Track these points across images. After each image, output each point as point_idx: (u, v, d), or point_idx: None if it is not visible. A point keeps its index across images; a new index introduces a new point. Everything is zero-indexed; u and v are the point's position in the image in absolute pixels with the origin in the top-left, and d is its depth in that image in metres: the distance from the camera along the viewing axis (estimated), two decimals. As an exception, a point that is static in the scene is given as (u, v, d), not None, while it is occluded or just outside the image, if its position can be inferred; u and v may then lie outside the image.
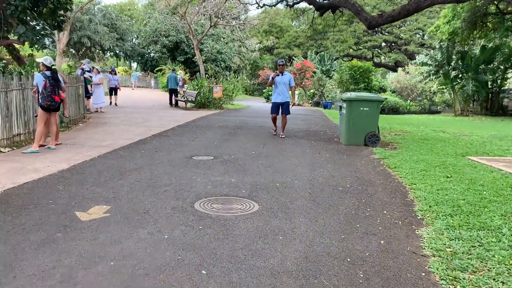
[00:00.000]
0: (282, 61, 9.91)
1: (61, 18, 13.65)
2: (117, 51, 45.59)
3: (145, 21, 42.77)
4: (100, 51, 48.18)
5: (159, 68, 37.27)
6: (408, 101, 32.29)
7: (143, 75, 48.39)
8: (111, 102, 18.22)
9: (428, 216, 4.41)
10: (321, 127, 12.82)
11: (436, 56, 27.31)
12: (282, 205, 4.63)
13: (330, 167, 6.76)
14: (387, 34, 48.74)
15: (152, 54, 46.57)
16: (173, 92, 20.17)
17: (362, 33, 46.98)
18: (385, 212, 4.57)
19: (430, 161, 7.23)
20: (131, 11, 62.61)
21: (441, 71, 26.99)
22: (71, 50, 46.04)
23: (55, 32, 28.50)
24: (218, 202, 4.61)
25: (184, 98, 18.54)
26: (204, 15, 29.73)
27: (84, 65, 14.74)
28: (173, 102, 19.62)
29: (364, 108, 9.02)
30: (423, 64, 29.27)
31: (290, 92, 9.89)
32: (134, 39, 55.71)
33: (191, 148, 8.00)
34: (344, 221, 4.22)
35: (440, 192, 5.25)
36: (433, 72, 27.83)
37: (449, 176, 6.13)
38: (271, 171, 6.26)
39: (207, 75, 26.92)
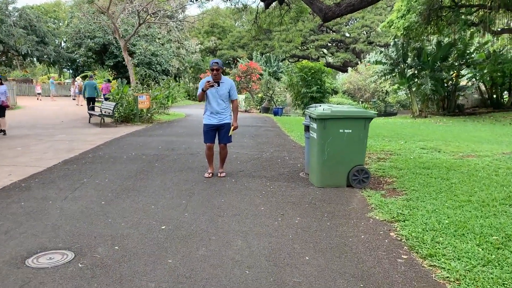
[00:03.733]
0: (217, 62, 6.14)
1: None
2: (38, 56, 39.94)
3: (66, 21, 37.79)
4: (20, 57, 42.26)
5: (84, 74, 32.59)
6: (362, 102, 30.05)
7: (72, 83, 43.09)
8: (1, 130, 11.33)
9: None
10: (277, 148, 9.49)
11: (391, 54, 25.18)
12: None
13: (311, 263, 3.38)
14: (334, 32, 46.73)
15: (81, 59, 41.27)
16: (91, 101, 17.28)
17: (309, 32, 44.60)
18: None
19: (477, 229, 4.06)
20: (56, 13, 56.55)
21: (396, 70, 24.92)
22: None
23: None
24: None
25: (100, 111, 14.59)
26: (132, 10, 25.67)
27: None
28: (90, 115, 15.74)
29: (346, 130, 5.78)
30: (377, 62, 27.15)
31: (231, 108, 6.47)
32: (62, 42, 49.94)
33: (50, 221, 4.34)
34: None
35: None
36: (388, 71, 25.77)
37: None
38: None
39: (137, 81, 22.97)
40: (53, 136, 11.18)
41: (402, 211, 4.74)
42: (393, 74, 25.63)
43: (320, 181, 5.91)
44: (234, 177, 6.48)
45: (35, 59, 41.71)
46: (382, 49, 27.98)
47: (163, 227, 4.19)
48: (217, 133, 6.39)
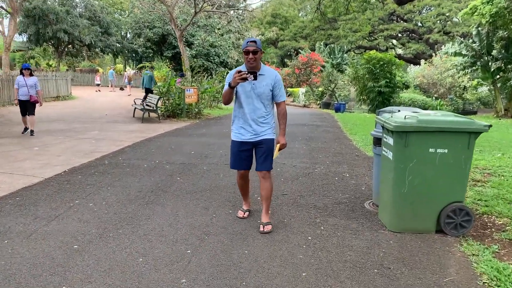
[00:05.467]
0: (254, 41, 3.86)
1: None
2: (101, 47, 40.36)
3: (127, 11, 37.78)
4: (85, 48, 43.00)
5: (142, 65, 32.25)
6: (437, 99, 26.92)
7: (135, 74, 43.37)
8: (26, 129, 9.85)
9: None
10: (335, 159, 7.60)
11: (473, 45, 22.07)
12: None
13: None
14: (405, 22, 43.11)
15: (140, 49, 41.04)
16: (149, 92, 16.99)
17: (378, 21, 41.41)
18: None
19: None
20: (122, 4, 57.47)
21: (479, 63, 21.78)
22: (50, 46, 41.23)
23: None
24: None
25: (142, 106, 13.42)
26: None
27: None
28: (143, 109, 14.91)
29: (439, 150, 3.84)
30: (456, 54, 24.05)
31: (273, 113, 4.15)
32: (128, 34, 50.47)
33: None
34: None
35: None
36: (469, 63, 22.66)
37: None
38: None
39: (186, 72, 21.77)
40: (85, 132, 10.07)
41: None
42: (475, 68, 22.56)
43: (396, 223, 4.02)
44: (272, 204, 4.74)
45: (98, 49, 42.17)
46: (463, 39, 24.80)
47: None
48: (254, 155, 4.11)
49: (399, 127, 3.82)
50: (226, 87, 3.93)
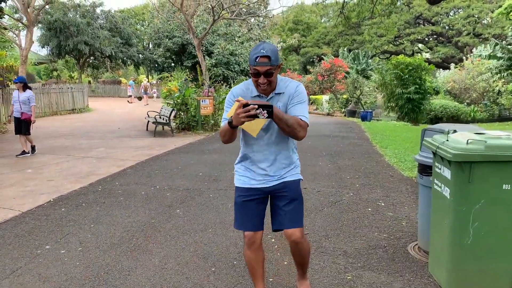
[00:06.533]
0: (267, 56, 2.30)
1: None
2: (122, 58, 40.17)
3: (147, 22, 37.60)
4: (107, 59, 42.93)
5: (161, 75, 31.77)
6: (469, 105, 25.32)
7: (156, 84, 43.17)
8: (24, 152, 8.63)
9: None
10: (366, 181, 6.51)
11: (508, 46, 20.59)
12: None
13: None
14: (432, 25, 41.46)
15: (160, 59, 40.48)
16: None
17: (403, 25, 39.94)
18: None
19: None
20: (144, 15, 57.66)
21: (515, 65, 20.30)
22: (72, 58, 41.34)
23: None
24: None
25: (156, 118, 12.62)
26: (208, 5, 23.96)
27: None
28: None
29: (518, 187, 2.78)
30: (490, 57, 22.56)
31: (295, 146, 2.72)
32: (149, 44, 50.37)
33: None
34: None
35: None
36: (505, 66, 21.20)
37: None
38: None
39: (205, 82, 21.02)
40: (89, 150, 9.30)
41: None
42: (511, 71, 21.07)
43: (457, 283, 2.94)
44: (289, 250, 3.72)
45: (120, 60, 42.04)
46: (497, 41, 23.28)
47: None
48: (272, 206, 2.68)
49: (460, 156, 2.77)
50: (224, 123, 2.47)
